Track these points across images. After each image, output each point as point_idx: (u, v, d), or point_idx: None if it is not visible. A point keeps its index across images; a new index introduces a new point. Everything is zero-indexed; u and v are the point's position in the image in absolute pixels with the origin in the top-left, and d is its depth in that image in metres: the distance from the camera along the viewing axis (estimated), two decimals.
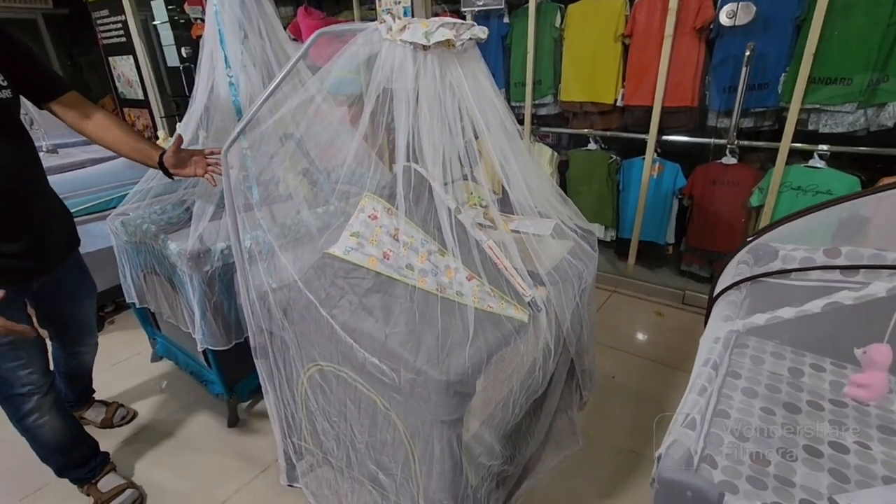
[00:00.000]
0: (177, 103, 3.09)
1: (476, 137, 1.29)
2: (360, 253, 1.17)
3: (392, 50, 1.14)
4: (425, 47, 1.11)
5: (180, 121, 3.18)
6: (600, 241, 3.13)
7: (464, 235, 1.24)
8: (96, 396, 2.07)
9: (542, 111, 3.00)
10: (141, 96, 5.25)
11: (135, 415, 2.06)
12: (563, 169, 3.11)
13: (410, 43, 1.11)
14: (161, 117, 5.17)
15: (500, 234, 1.43)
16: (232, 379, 1.92)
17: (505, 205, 1.54)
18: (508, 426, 1.34)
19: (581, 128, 2.91)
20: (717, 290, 1.46)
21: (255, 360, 1.45)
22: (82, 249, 2.62)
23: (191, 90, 4.98)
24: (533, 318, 1.28)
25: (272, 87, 1.19)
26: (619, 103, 2.68)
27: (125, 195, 2.59)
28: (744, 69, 2.16)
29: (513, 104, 3.13)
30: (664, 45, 2.38)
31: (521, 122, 3.10)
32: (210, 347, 1.75)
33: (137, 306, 2.12)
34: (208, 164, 1.64)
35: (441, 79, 1.15)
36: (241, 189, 1.89)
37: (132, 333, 2.56)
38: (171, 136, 3.27)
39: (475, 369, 1.06)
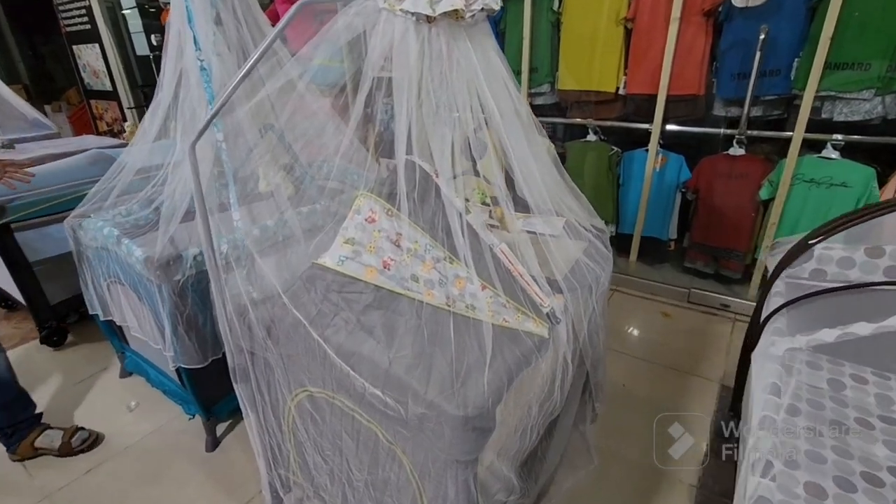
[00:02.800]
0: (145, 94, 2.84)
1: (486, 125, 1.12)
2: (356, 263, 0.99)
3: (391, 22, 0.96)
4: (430, 18, 0.94)
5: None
6: None
7: (475, 240, 1.08)
8: (54, 422, 1.84)
9: (539, 101, 2.85)
10: (109, 87, 4.95)
11: (98, 438, 1.84)
12: (559, 161, 2.96)
13: (412, 14, 0.93)
14: (129, 108, 4.87)
15: (511, 235, 1.27)
16: (209, 399, 1.73)
17: (514, 202, 1.38)
18: (525, 454, 1.19)
19: (579, 118, 2.77)
20: (771, 307, 1.30)
21: (234, 384, 1.27)
22: (40, 254, 2.41)
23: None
24: (552, 331, 1.13)
25: (248, 65, 1.00)
26: (620, 92, 2.54)
27: (88, 194, 2.39)
28: (758, 53, 2.03)
29: None
30: (670, 29, 2.24)
31: None
32: (183, 366, 1.56)
33: (102, 318, 1.91)
34: (5, 167, 1.48)
35: (448, 56, 0.98)
36: (214, 187, 1.70)
37: (98, 347, 2.34)
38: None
39: (495, 399, 0.90)
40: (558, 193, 1.36)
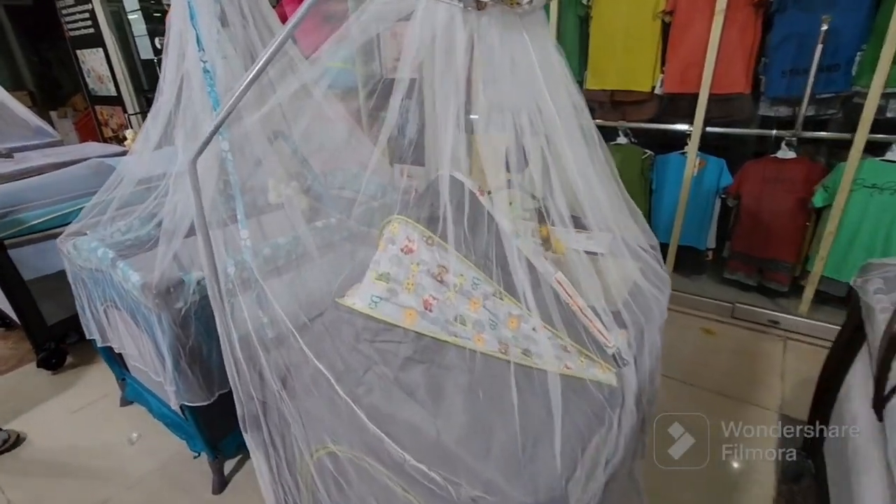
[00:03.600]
0: (148, 99, 2.69)
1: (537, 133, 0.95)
2: (392, 305, 0.82)
3: (432, 10, 0.79)
4: (480, 4, 0.76)
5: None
6: None
7: (529, 270, 0.90)
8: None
9: None
10: (113, 92, 4.82)
11: (19, 439, 1.83)
12: (618, 175, 2.77)
13: None
14: (133, 114, 4.74)
15: (559, 256, 1.09)
16: (216, 435, 1.57)
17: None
18: None
19: (610, 120, 2.58)
20: None
21: (244, 434, 1.10)
22: (37, 272, 2.25)
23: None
24: (620, 376, 0.95)
25: (256, 67, 0.83)
26: (656, 91, 2.35)
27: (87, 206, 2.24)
28: (818, 47, 1.84)
29: None
30: (714, 22, 2.05)
31: None
32: (186, 404, 1.39)
33: (99, 344, 1.75)
34: None
35: (501, 48, 0.80)
36: (220, 200, 1.54)
37: (98, 370, 2.19)
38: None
39: (569, 474, 0.72)
40: (616, 210, 1.18)
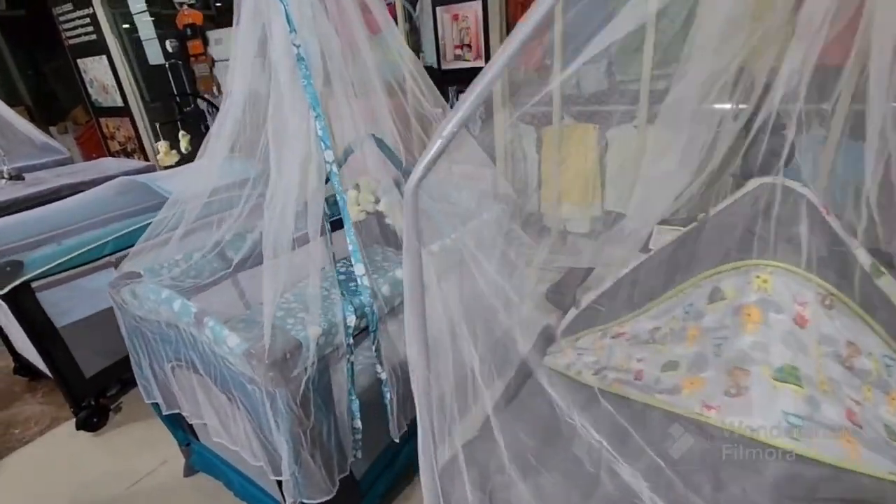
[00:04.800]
0: (178, 105, 2.36)
1: None
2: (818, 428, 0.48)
3: None
4: None
5: (183, 127, 2.45)
6: None
7: None
8: None
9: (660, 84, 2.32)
10: (119, 103, 4.47)
11: None
12: None
13: None
14: (149, 125, 4.39)
15: None
16: None
17: None
18: None
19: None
20: None
21: None
22: (71, 315, 1.90)
23: (181, 90, 4.14)
24: None
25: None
26: None
27: (123, 234, 1.89)
28: None
29: (620, 77, 2.45)
30: None
31: (630, 97, 2.42)
32: (306, 502, 1.05)
33: (164, 412, 1.40)
34: None
35: None
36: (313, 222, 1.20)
37: (150, 427, 1.84)
38: (179, 145, 2.52)
39: None
40: None
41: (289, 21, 1.13)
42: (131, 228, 1.88)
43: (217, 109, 1.54)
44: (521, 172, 2.86)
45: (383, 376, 1.20)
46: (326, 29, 1.22)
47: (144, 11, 4.02)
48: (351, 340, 1.09)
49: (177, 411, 1.38)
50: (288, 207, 1.13)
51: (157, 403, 1.41)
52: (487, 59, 2.67)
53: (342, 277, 1.24)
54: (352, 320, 1.08)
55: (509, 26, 2.60)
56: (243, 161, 2.68)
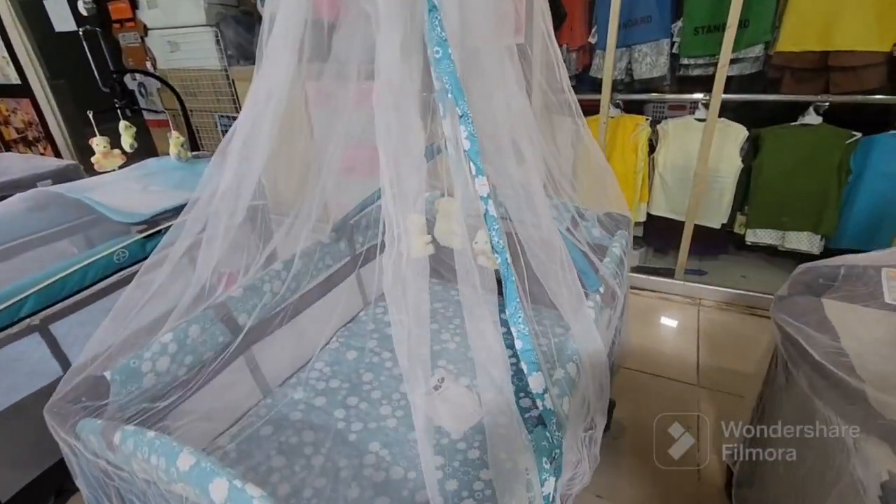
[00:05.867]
0: (112, 86, 1.66)
1: None
2: None
3: None
4: None
5: (125, 116, 1.79)
6: (806, 256, 2.22)
7: None
8: None
9: (732, 70, 1.96)
10: (15, 79, 3.54)
11: None
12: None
13: None
14: (56, 108, 3.51)
15: None
16: None
17: None
18: None
19: (805, 92, 1.92)
20: None
21: None
22: None
23: (98, 63, 3.26)
24: None
25: None
26: None
27: (47, 284, 1.25)
28: None
29: (686, 60, 2.06)
30: None
31: (698, 86, 2.04)
32: None
33: None
34: None
35: None
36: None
37: None
38: (118, 142, 1.78)
39: None
40: None
41: None
42: (62, 274, 1.23)
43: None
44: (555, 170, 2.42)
45: None
46: None
47: None
48: None
49: None
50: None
51: None
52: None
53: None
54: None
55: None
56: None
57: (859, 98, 1.83)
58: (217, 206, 0.86)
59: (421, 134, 0.70)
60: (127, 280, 1.39)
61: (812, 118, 1.96)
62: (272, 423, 1.04)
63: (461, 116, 0.62)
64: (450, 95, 0.62)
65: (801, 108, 1.97)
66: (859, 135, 1.91)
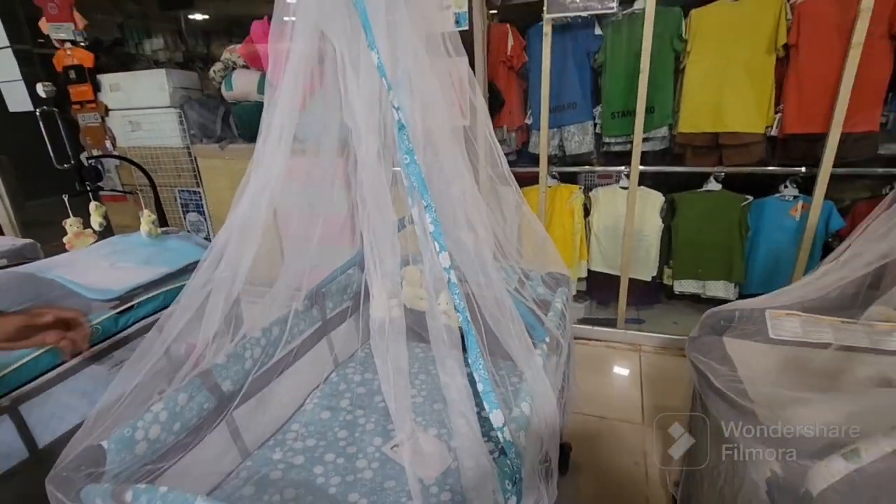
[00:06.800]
0: (88, 171, 1.70)
1: None
2: None
3: None
4: None
5: (95, 197, 1.88)
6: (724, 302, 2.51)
7: None
8: None
9: (647, 146, 2.32)
10: None
11: None
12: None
13: None
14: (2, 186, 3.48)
15: None
16: None
17: None
18: None
19: (704, 165, 2.28)
20: None
21: None
22: None
23: (54, 142, 3.36)
24: None
25: None
26: (772, 132, 2.11)
27: (14, 367, 1.27)
28: None
29: (607, 139, 2.41)
30: (850, 56, 1.85)
31: (620, 160, 2.38)
32: None
33: None
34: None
35: None
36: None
37: None
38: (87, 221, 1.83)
39: None
40: None
41: (381, 70, 0.80)
42: (27, 359, 1.26)
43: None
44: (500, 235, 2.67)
45: None
46: (419, 81, 0.90)
47: (6, 48, 3.21)
48: None
49: None
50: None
51: None
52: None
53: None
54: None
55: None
56: (183, 239, 2.10)
57: (747, 169, 2.22)
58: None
59: (394, 218, 0.87)
60: (100, 355, 1.45)
61: (713, 185, 2.33)
62: (254, 484, 1.10)
63: (426, 206, 0.80)
64: (417, 191, 0.80)
65: (705, 177, 2.34)
66: (751, 198, 2.28)
